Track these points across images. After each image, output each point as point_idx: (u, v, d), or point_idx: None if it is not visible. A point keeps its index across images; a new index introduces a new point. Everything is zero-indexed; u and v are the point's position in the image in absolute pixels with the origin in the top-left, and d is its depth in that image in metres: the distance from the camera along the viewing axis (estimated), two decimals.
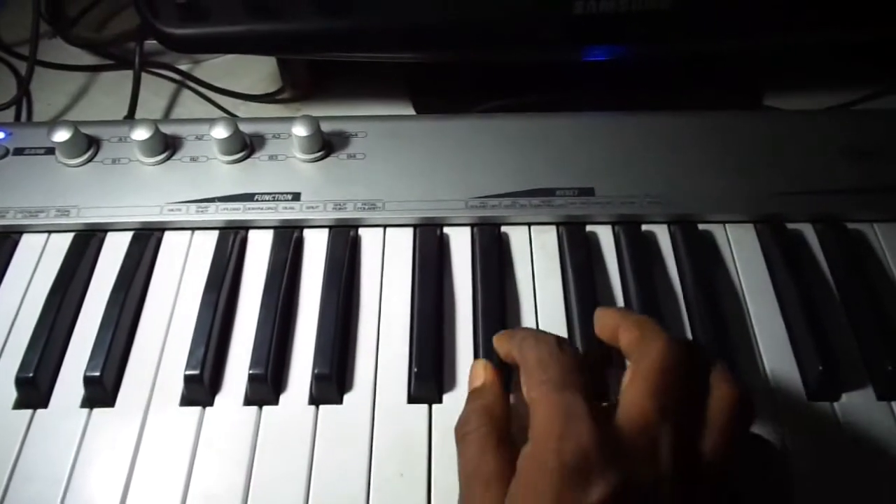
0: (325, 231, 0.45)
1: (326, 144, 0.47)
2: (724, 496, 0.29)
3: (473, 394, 0.34)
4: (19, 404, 0.38)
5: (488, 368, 0.35)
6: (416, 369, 0.38)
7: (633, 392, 0.30)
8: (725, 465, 0.29)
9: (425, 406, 0.38)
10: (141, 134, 0.45)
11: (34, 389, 0.38)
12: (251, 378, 0.38)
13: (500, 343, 0.36)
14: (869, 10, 0.50)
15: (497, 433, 0.32)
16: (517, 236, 0.44)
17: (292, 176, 0.46)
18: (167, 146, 0.47)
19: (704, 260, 0.43)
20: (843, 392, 0.38)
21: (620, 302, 0.42)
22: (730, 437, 0.30)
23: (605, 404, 0.32)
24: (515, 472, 0.29)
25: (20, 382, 0.38)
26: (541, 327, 0.40)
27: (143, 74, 0.60)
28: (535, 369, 0.31)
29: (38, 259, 0.44)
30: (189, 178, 0.46)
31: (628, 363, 0.32)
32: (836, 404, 0.38)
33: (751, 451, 0.31)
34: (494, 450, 0.31)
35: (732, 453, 0.30)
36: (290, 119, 0.46)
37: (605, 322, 0.35)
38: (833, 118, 0.50)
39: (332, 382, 0.38)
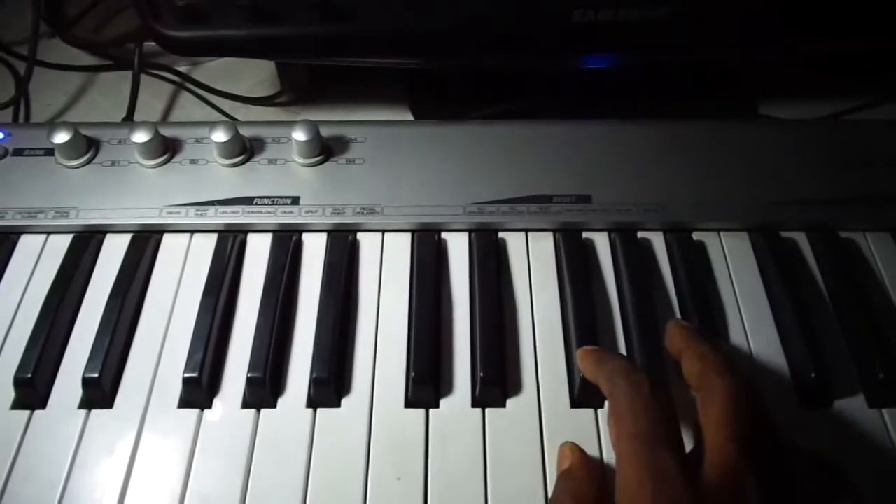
0: (324, 235, 0.45)
1: (326, 149, 0.47)
2: None
3: (562, 476, 0.34)
4: (17, 405, 0.39)
5: (575, 451, 0.35)
6: (413, 374, 0.38)
7: (711, 439, 0.30)
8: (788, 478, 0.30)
9: (422, 411, 0.38)
10: (141, 136, 0.45)
11: (32, 390, 0.38)
12: (249, 381, 0.38)
13: (588, 364, 0.36)
14: (862, 22, 0.50)
15: None
16: (514, 242, 0.45)
17: (291, 180, 0.46)
18: (167, 149, 0.47)
19: (699, 267, 0.43)
20: (834, 399, 0.39)
21: (616, 309, 0.42)
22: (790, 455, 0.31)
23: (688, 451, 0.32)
24: None
25: (18, 383, 0.38)
26: (537, 333, 0.41)
27: (143, 76, 0.60)
28: (626, 418, 0.31)
29: (37, 260, 0.44)
30: (188, 181, 0.46)
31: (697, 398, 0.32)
32: (827, 411, 0.38)
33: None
34: None
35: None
36: (290, 123, 0.46)
37: (671, 342, 0.36)
38: (827, 128, 0.50)
39: (330, 386, 0.38)
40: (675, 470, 0.29)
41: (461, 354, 0.40)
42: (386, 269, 0.44)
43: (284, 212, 0.45)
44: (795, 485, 0.31)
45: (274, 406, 0.38)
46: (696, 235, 0.45)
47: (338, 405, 0.38)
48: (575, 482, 0.34)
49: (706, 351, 0.33)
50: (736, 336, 0.41)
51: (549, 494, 0.35)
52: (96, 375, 0.38)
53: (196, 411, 0.38)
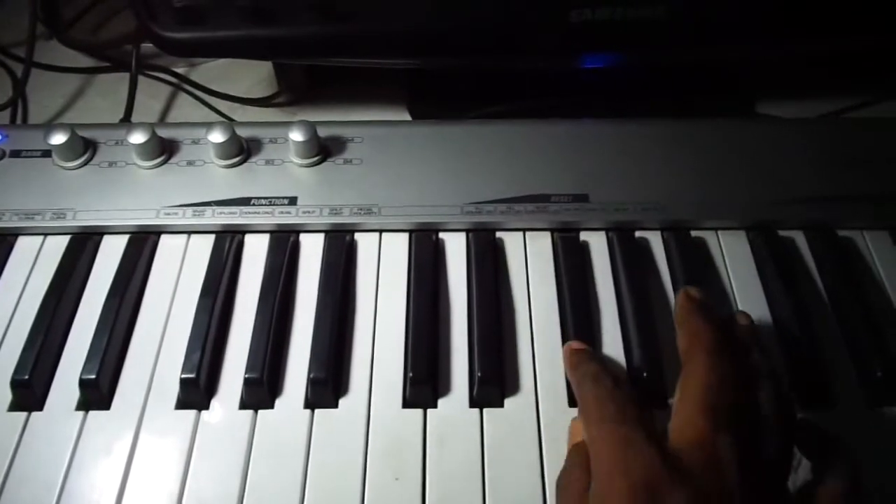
0: (322, 236, 0.45)
1: (323, 149, 0.47)
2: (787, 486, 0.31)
3: (572, 450, 0.35)
4: (14, 407, 0.39)
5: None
6: (410, 374, 0.38)
7: (685, 413, 0.31)
8: (786, 457, 0.31)
9: (420, 411, 0.38)
10: (138, 137, 0.45)
11: (29, 392, 0.38)
12: (247, 382, 0.38)
13: (568, 364, 0.38)
14: (862, 21, 0.50)
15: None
16: (512, 242, 0.45)
17: (289, 180, 0.46)
18: (164, 150, 0.47)
19: (697, 266, 0.43)
20: (833, 399, 0.39)
21: (613, 309, 0.42)
22: (784, 431, 0.31)
23: (660, 428, 0.32)
24: None
25: (15, 384, 0.38)
26: (535, 333, 0.41)
27: (140, 77, 0.60)
28: (592, 407, 0.33)
29: (34, 261, 0.44)
30: (186, 182, 0.46)
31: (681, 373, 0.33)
32: (826, 411, 0.38)
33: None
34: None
35: (790, 446, 0.32)
36: (287, 124, 0.46)
37: (676, 314, 0.36)
38: (825, 126, 0.50)
39: (328, 387, 0.38)
40: (642, 439, 0.29)
41: (459, 354, 0.40)
42: (383, 269, 0.44)
43: (282, 212, 0.45)
44: (786, 458, 0.31)
45: (272, 407, 0.38)
46: (693, 234, 0.45)
47: (335, 406, 0.38)
48: (582, 456, 0.34)
49: (700, 327, 0.34)
50: None
51: (549, 492, 0.35)
52: (93, 377, 0.38)
53: (194, 412, 0.38)
